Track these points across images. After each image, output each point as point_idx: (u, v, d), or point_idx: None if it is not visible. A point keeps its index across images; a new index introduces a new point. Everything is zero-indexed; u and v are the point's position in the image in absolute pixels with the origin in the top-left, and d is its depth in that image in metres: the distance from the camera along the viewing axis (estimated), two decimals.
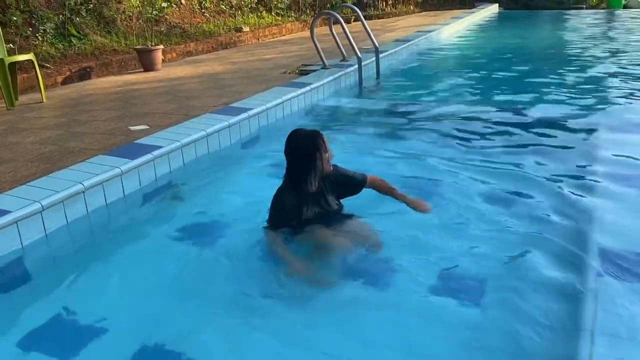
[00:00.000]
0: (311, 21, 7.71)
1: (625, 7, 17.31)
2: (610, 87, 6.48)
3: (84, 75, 7.56)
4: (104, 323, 2.38)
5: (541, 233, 2.97)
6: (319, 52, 7.02)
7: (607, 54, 8.75)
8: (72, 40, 8.08)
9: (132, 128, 4.69)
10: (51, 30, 7.81)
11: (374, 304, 2.48)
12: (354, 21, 12.97)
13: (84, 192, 3.32)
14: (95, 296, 2.63)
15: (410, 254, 2.81)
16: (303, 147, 2.69)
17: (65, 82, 7.29)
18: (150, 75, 7.63)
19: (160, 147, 3.98)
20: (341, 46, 7.52)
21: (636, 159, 4.00)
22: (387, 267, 2.71)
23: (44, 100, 6.05)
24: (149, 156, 3.83)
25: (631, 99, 5.84)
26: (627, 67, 7.58)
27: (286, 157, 2.77)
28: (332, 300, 2.50)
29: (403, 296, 2.52)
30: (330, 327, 2.33)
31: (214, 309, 2.49)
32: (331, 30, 7.49)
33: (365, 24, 7.47)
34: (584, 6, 18.59)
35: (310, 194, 2.79)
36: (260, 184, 3.80)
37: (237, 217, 3.34)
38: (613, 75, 7.09)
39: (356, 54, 6.71)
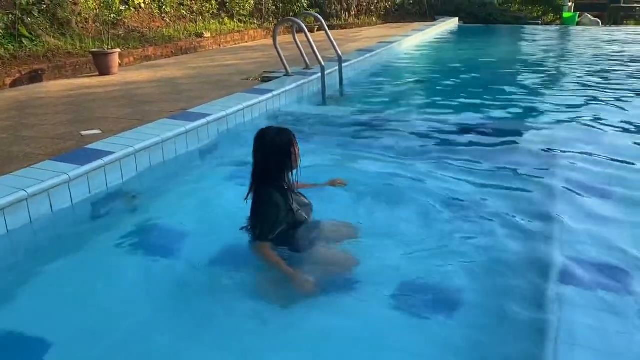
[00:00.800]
0: (274, 28, 7.62)
1: (578, 24, 17.96)
2: (566, 96, 6.64)
3: (34, 77, 7.23)
4: (44, 338, 2.20)
5: (504, 243, 2.94)
6: (281, 60, 6.93)
7: (563, 66, 9.00)
8: (23, 41, 7.72)
9: (83, 133, 4.46)
10: (0, 30, 7.45)
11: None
12: (317, 30, 12.94)
13: (27, 199, 3.10)
14: (35, 312, 2.43)
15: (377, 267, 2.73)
16: (278, 142, 2.61)
17: (14, 84, 6.95)
18: (105, 79, 7.36)
19: (112, 152, 3.79)
20: (304, 54, 7.45)
21: (593, 168, 4.06)
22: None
23: None
24: (99, 162, 3.64)
25: (586, 107, 6.00)
26: (582, 77, 7.81)
27: (258, 156, 2.64)
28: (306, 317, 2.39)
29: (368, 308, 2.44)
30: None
31: (166, 325, 2.34)
32: (294, 38, 7.41)
33: (329, 32, 7.43)
34: (540, 22, 19.21)
35: (288, 191, 2.67)
36: (218, 192, 3.68)
37: (194, 227, 3.19)
38: (569, 85, 7.29)
39: (319, 62, 6.64)
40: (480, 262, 2.76)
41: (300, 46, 7.44)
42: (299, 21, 6.83)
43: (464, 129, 5.14)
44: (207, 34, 11.14)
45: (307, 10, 13.73)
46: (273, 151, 2.61)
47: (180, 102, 5.62)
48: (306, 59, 7.49)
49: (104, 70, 7.63)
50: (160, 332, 2.30)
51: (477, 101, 6.50)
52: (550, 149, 4.54)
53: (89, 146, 3.98)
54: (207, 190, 3.75)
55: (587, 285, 2.50)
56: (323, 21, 7.63)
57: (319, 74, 6.80)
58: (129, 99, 5.92)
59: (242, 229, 2.82)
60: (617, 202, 3.45)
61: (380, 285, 2.56)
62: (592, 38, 13.24)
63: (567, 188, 3.65)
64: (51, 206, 3.27)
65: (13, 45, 7.55)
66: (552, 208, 3.34)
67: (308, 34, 6.67)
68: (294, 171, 2.69)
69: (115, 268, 2.84)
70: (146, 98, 5.94)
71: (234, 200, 3.40)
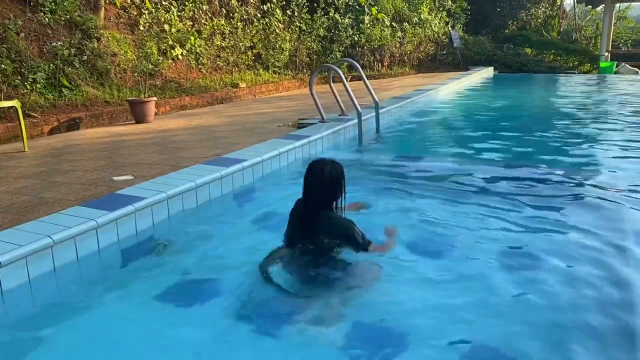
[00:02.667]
0: (310, 75, 7.57)
1: (616, 73, 17.65)
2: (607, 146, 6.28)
3: (72, 126, 7.27)
4: None
5: (571, 309, 2.58)
6: (317, 106, 6.80)
7: (603, 116, 8.64)
8: (63, 90, 7.85)
9: (115, 178, 4.32)
10: (42, 80, 7.58)
11: None
12: (350, 80, 12.98)
13: (52, 246, 2.91)
14: None
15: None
16: (334, 173, 2.86)
17: (52, 132, 6.99)
18: (141, 127, 7.36)
19: (143, 198, 3.61)
20: (340, 101, 7.33)
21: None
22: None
23: (26, 150, 5.71)
24: (129, 208, 3.45)
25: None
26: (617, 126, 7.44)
27: (315, 185, 2.87)
28: None
29: None
30: None
31: None
32: (330, 85, 7.32)
33: (365, 79, 7.32)
34: (576, 71, 18.96)
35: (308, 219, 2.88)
36: (253, 239, 3.43)
37: (227, 277, 2.94)
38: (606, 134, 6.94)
39: (356, 107, 6.48)
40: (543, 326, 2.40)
41: (336, 93, 7.33)
42: (336, 68, 6.74)
43: (505, 177, 4.87)
44: (243, 84, 11.23)
45: (343, 58, 13.81)
46: (331, 181, 2.85)
47: (215, 149, 5.49)
48: (342, 105, 7.36)
49: (140, 118, 7.65)
50: None
51: (516, 150, 6.22)
52: (605, 197, 4.18)
53: (120, 192, 3.81)
54: (242, 238, 3.51)
55: None
56: (359, 67, 7.53)
57: (355, 120, 6.63)
58: (164, 145, 5.83)
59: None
60: None
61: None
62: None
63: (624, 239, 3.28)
64: (77, 253, 3.06)
65: (53, 95, 7.67)
66: (626, 267, 2.97)
67: (345, 80, 6.55)
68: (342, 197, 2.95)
69: (141, 319, 2.59)
70: (181, 145, 5.84)
71: (267, 248, 3.18)
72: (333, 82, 7.56)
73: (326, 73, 8.86)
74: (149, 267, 3.18)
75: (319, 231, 2.87)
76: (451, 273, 2.94)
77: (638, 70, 17.85)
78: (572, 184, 4.63)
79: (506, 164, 5.39)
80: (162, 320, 2.59)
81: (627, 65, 18.03)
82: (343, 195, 2.93)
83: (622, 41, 21.89)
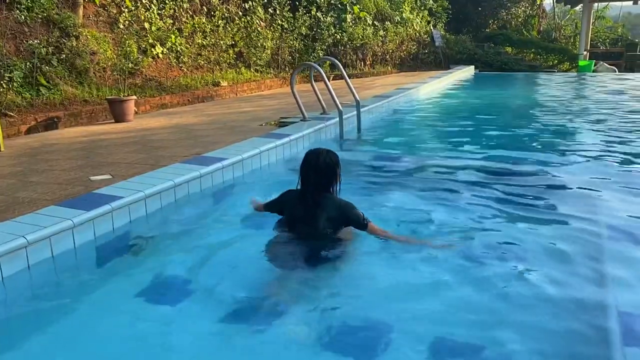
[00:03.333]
0: (291, 74, 7.56)
1: (594, 71, 17.91)
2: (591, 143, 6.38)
3: (50, 125, 7.17)
4: None
5: (549, 296, 2.62)
6: (298, 105, 6.80)
7: (585, 113, 8.77)
8: (41, 89, 7.73)
9: (92, 178, 4.27)
10: (18, 79, 7.46)
11: None
12: (333, 79, 12.99)
13: (26, 247, 2.86)
14: None
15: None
16: (329, 162, 3.03)
17: (29, 131, 6.88)
18: (120, 126, 7.28)
19: (120, 197, 3.57)
20: (322, 100, 7.33)
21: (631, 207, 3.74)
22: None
23: (2, 149, 5.62)
24: (106, 207, 3.41)
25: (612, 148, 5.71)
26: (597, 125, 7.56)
27: (311, 173, 3.03)
28: None
29: None
30: None
31: None
32: (312, 83, 7.32)
33: (347, 77, 7.33)
34: (556, 70, 19.22)
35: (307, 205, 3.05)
36: (232, 238, 3.42)
37: (205, 274, 2.93)
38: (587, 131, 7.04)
39: (337, 106, 6.49)
40: (518, 317, 2.43)
41: (318, 92, 7.33)
42: (317, 66, 6.73)
43: (487, 172, 4.90)
44: (224, 83, 11.17)
45: (322, 60, 13.79)
46: (326, 169, 3.02)
47: (195, 147, 5.46)
48: (323, 104, 7.37)
49: (119, 117, 7.57)
50: None
51: (497, 144, 6.32)
52: (583, 190, 4.25)
53: (97, 191, 3.77)
54: (220, 237, 3.49)
55: None
56: (341, 66, 7.54)
57: (336, 119, 6.64)
58: (143, 144, 5.78)
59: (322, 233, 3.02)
60: None
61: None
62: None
63: (612, 233, 3.33)
64: (52, 253, 3.02)
65: (30, 94, 7.55)
66: (601, 256, 3.02)
67: (326, 78, 6.56)
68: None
69: (119, 320, 2.56)
70: (160, 144, 5.79)
71: (247, 247, 3.22)
72: (315, 80, 7.56)
73: (308, 71, 8.86)
74: (127, 267, 3.15)
75: (318, 215, 3.01)
76: (431, 269, 2.95)
77: (615, 69, 18.14)
78: (545, 179, 4.68)
79: (485, 160, 5.43)
80: (141, 320, 2.57)
81: (605, 64, 18.31)
82: (338, 183, 3.10)
83: (600, 40, 22.20)
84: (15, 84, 7.38)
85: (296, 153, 5.81)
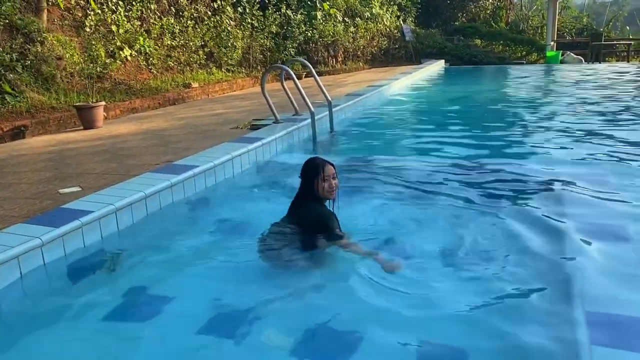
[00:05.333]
0: (261, 75, 7.54)
1: (561, 62, 18.25)
2: (560, 134, 6.52)
3: (17, 134, 7.02)
4: None
5: (519, 295, 2.69)
6: (270, 106, 6.79)
7: (557, 104, 8.96)
8: (6, 97, 7.56)
9: (61, 191, 4.21)
10: None
11: None
12: (305, 77, 12.99)
13: None
14: None
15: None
16: (305, 168, 3.28)
17: None
18: (89, 133, 7.17)
19: (90, 211, 3.53)
20: (293, 100, 7.33)
21: (599, 206, 3.85)
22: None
23: None
24: (76, 223, 3.37)
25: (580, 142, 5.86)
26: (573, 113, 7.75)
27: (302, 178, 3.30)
28: None
29: None
30: None
31: None
32: (282, 84, 7.31)
33: (317, 78, 7.34)
34: (524, 61, 19.54)
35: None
36: (207, 251, 3.41)
37: (180, 289, 2.93)
38: (560, 122, 7.20)
39: (309, 107, 6.50)
40: (486, 313, 2.50)
41: (289, 93, 7.33)
42: (287, 68, 6.73)
43: (459, 170, 4.98)
44: (195, 84, 11.08)
45: (294, 57, 13.78)
46: (302, 175, 3.30)
47: (166, 155, 5.41)
48: (295, 105, 7.37)
49: (88, 124, 7.45)
50: None
51: (471, 141, 6.39)
52: (551, 187, 4.35)
53: (66, 206, 3.72)
54: (193, 251, 3.48)
55: (617, 343, 2.23)
56: (311, 67, 7.56)
57: (309, 120, 6.65)
58: (113, 153, 5.70)
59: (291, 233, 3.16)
60: (634, 241, 3.23)
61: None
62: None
63: (579, 230, 3.42)
64: (21, 274, 2.98)
65: None
66: (567, 254, 3.10)
67: (296, 80, 6.56)
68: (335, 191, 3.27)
69: (94, 339, 2.54)
70: (131, 151, 5.72)
71: (220, 257, 3.23)
72: (286, 79, 7.54)
73: (279, 71, 8.84)
74: (100, 284, 3.11)
75: (298, 219, 3.22)
76: (405, 273, 2.99)
77: (582, 59, 18.51)
78: (521, 177, 4.76)
79: (458, 158, 5.50)
80: (117, 339, 2.54)
81: (572, 54, 18.67)
82: (313, 187, 3.21)
83: (567, 30, 22.63)
84: None
85: (269, 157, 5.81)
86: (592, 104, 8.86)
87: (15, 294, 2.91)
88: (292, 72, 6.60)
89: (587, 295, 2.61)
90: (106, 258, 3.44)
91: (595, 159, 5.25)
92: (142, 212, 3.94)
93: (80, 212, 3.52)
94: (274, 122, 6.80)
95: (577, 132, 6.69)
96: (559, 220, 3.59)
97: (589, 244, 3.23)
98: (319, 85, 7.24)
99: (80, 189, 4.25)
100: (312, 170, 3.25)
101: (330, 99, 7.18)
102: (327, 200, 3.30)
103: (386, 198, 4.28)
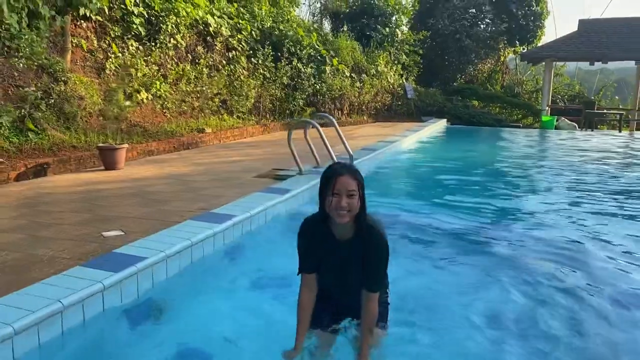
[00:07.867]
0: (288, 129, 7.73)
1: (556, 127, 18.85)
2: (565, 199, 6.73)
3: (39, 171, 7.05)
4: None
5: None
6: (295, 159, 6.94)
7: (553, 168, 9.26)
8: (29, 134, 7.63)
9: (105, 234, 4.25)
10: (7, 124, 7.36)
11: None
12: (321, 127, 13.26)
13: (62, 312, 2.83)
14: None
15: None
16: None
17: (18, 178, 6.75)
18: (112, 174, 7.23)
19: (144, 258, 3.57)
20: (315, 153, 7.50)
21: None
22: None
23: None
24: (132, 269, 3.40)
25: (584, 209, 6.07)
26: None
27: None
28: None
29: None
30: None
31: None
32: (306, 136, 7.50)
33: (340, 131, 7.55)
34: (521, 125, 20.13)
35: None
36: (248, 299, 3.48)
37: (225, 343, 3.01)
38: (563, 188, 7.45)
39: (333, 160, 6.66)
40: None
41: (311, 144, 7.51)
42: (313, 122, 6.93)
43: (477, 231, 5.17)
44: (208, 129, 11.25)
45: (302, 109, 14.15)
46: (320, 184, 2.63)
47: (197, 202, 5.49)
48: (317, 156, 7.54)
49: (110, 165, 7.52)
50: None
51: (481, 203, 6.62)
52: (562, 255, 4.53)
53: (117, 250, 3.75)
54: (237, 299, 3.54)
55: None
56: (334, 120, 7.78)
57: None
58: (142, 196, 5.76)
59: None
60: None
61: None
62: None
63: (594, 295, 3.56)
64: (84, 318, 2.99)
65: (19, 139, 7.44)
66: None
67: (323, 134, 6.75)
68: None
69: None
70: (160, 196, 5.79)
71: (264, 309, 3.35)
72: (295, 129, 7.74)
73: (296, 123, 9.08)
74: (148, 334, 3.12)
75: None
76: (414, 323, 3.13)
77: (576, 125, 19.15)
78: (496, 236, 4.98)
79: (467, 218, 5.73)
80: None
81: (566, 120, 19.33)
82: (323, 202, 2.64)
83: (560, 96, 23.49)
84: (3, 129, 7.27)
85: (296, 208, 5.91)
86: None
87: (78, 339, 2.91)
88: (318, 126, 6.79)
89: None
90: (155, 306, 3.45)
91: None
92: (188, 259, 3.99)
93: (134, 258, 3.56)
94: (297, 174, 6.93)
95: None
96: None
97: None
98: (341, 138, 7.44)
99: (123, 233, 4.29)
100: (324, 179, 2.57)
101: (351, 152, 7.36)
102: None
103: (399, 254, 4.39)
